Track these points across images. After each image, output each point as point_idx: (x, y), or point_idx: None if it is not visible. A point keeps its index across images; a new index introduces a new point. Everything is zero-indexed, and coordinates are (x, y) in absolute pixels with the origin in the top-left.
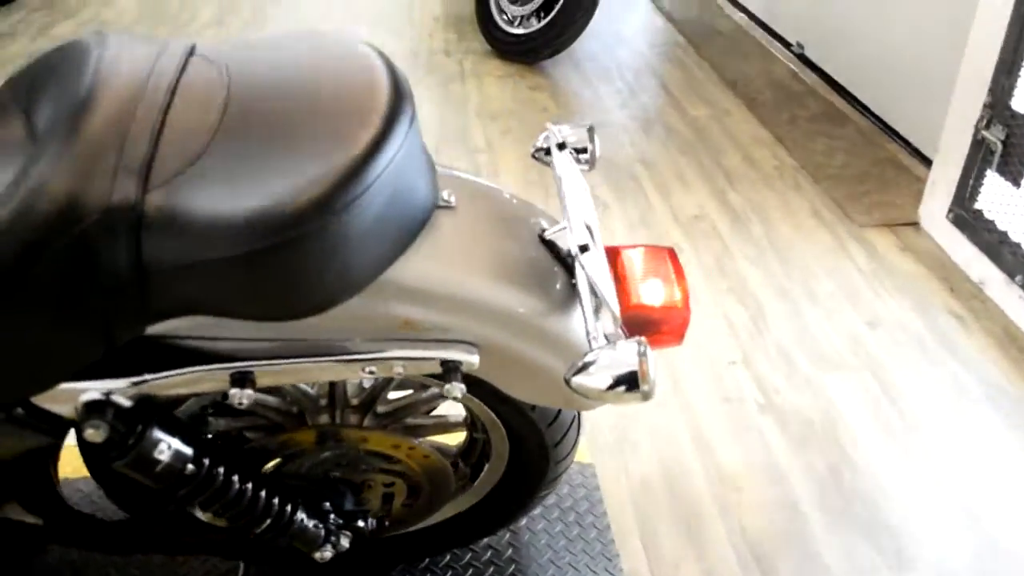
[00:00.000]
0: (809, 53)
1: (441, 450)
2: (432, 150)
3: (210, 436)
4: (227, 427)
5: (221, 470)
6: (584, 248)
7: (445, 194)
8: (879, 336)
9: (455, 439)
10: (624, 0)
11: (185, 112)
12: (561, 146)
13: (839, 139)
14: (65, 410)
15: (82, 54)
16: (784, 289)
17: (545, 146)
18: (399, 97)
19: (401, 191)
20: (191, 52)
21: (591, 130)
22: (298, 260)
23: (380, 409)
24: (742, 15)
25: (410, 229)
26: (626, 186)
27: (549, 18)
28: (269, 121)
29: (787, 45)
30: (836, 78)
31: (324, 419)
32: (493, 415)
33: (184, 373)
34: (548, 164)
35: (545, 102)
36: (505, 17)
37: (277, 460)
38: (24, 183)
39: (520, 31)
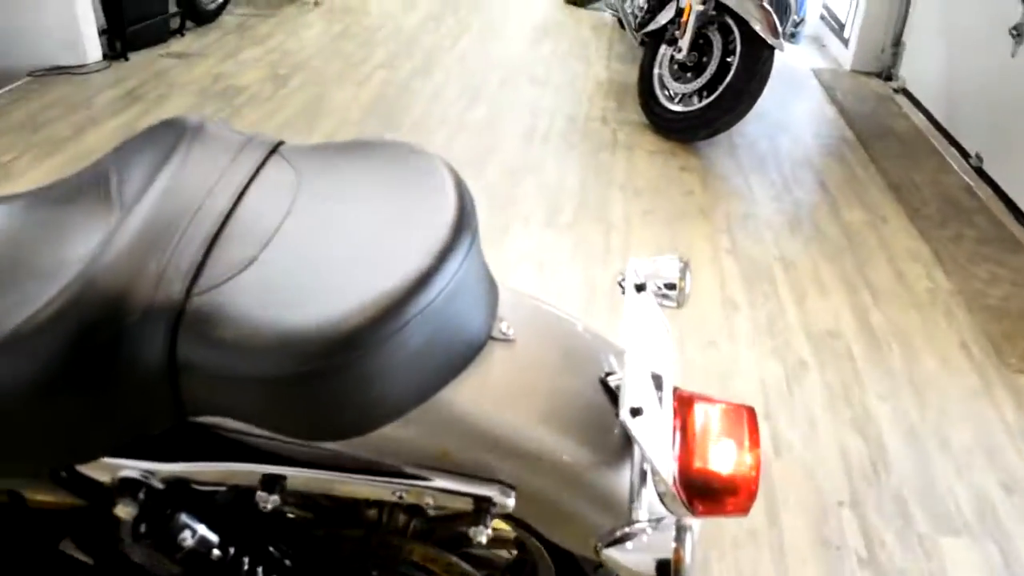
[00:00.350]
0: (988, 167)
1: (489, 562)
2: (568, 220)
3: (254, 511)
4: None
5: (247, 560)
6: (636, 412)
7: (504, 326)
8: (1014, 503)
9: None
10: (796, 85)
11: (247, 215)
12: (640, 287)
13: (1006, 267)
14: (105, 479)
15: (175, 139)
16: (914, 430)
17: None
18: (460, 226)
19: (449, 323)
20: (274, 150)
21: (685, 265)
22: (327, 389)
23: (431, 513)
24: (921, 116)
25: (457, 361)
26: (760, 287)
27: (711, 99)
28: (326, 235)
29: (965, 155)
30: (1015, 199)
31: (372, 513)
32: (539, 544)
33: (216, 468)
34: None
35: (693, 185)
36: (667, 92)
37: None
38: (82, 273)
39: (680, 108)
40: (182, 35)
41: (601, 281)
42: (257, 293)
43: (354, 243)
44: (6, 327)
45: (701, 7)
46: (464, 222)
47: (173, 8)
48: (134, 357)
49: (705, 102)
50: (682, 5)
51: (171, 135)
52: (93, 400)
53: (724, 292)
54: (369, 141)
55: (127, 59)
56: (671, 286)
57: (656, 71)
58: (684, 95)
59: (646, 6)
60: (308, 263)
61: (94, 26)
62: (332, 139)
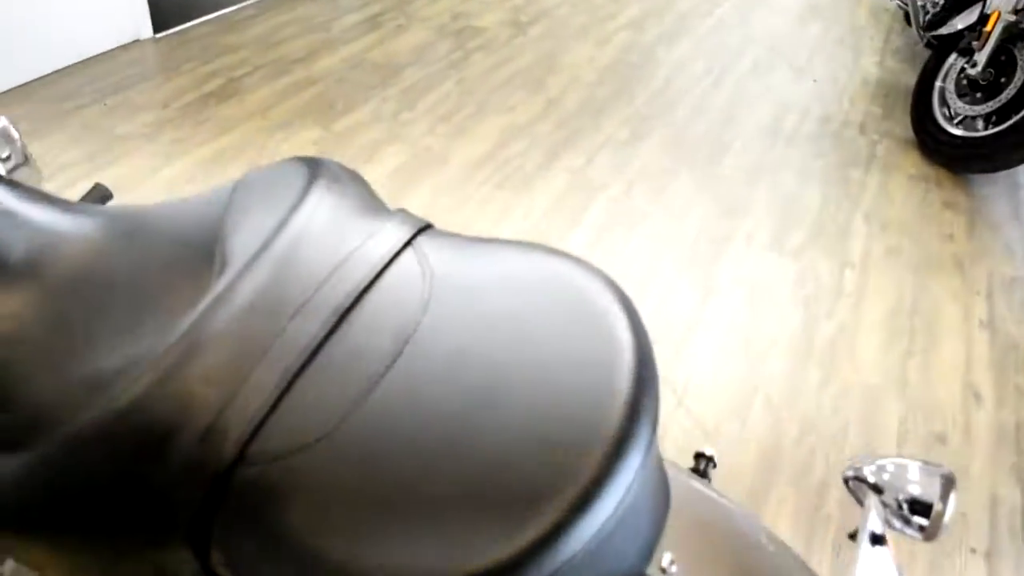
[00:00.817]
0: None
1: None
2: (797, 245)
3: None
4: None
5: None
6: None
7: (666, 560)
8: None
9: None
10: None
11: (345, 349)
12: (877, 540)
13: None
14: None
15: (299, 196)
16: None
17: (858, 478)
18: (632, 430)
19: (591, 571)
20: (411, 239)
21: (949, 482)
22: None
23: None
24: None
25: None
26: (1014, 379)
27: (1001, 128)
28: (439, 406)
29: None
30: None
31: None
32: None
33: None
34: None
35: (955, 227)
36: (946, 111)
37: None
38: (132, 384)
39: (959, 132)
40: None
41: (823, 334)
42: (324, 486)
43: (476, 430)
44: (51, 437)
45: (1013, 17)
46: (640, 420)
47: None
48: (161, 521)
49: (993, 130)
50: (988, 11)
51: (298, 186)
52: (106, 546)
53: (968, 375)
54: (537, 250)
55: None
56: (922, 508)
57: (939, 83)
58: (968, 117)
59: (942, 3)
60: (404, 450)
61: None
62: (557, 100)
